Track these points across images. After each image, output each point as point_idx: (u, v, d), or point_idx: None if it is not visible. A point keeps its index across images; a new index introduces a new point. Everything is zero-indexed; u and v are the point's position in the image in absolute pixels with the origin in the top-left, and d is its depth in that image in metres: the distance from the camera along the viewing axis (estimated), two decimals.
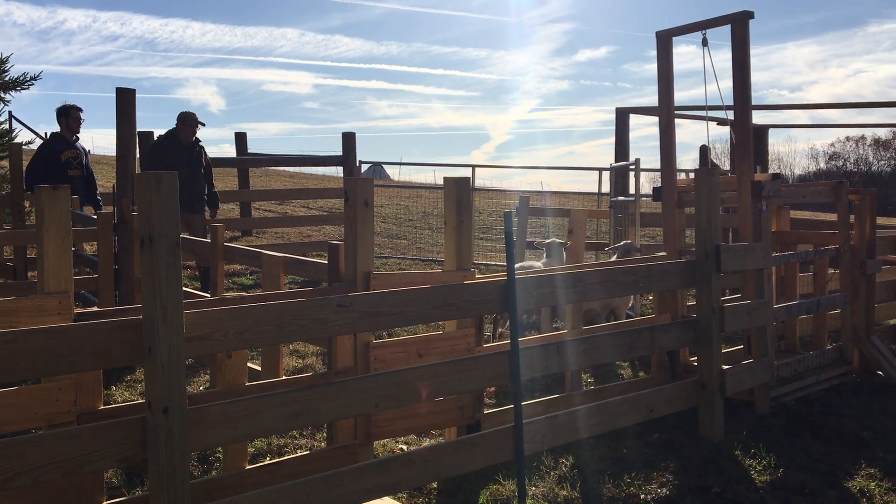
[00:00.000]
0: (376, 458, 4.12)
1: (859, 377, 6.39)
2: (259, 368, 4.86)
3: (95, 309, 4.47)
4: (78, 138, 8.88)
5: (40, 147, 9.17)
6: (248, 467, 3.89)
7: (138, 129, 9.06)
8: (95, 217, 7.36)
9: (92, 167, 9.12)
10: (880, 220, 12.50)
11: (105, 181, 16.63)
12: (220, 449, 4.33)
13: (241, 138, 13.09)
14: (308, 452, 4.06)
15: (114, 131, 7.68)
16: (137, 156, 8.55)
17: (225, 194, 14.64)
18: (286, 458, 4.03)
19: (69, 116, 8.68)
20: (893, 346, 6.95)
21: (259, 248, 8.48)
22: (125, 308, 3.80)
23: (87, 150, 9.10)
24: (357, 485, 3.52)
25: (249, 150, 13.35)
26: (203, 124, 9.03)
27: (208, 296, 5.01)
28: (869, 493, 4.26)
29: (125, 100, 7.58)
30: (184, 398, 3.02)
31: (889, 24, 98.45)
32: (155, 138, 9.52)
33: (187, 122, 8.84)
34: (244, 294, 4.45)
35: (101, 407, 3.53)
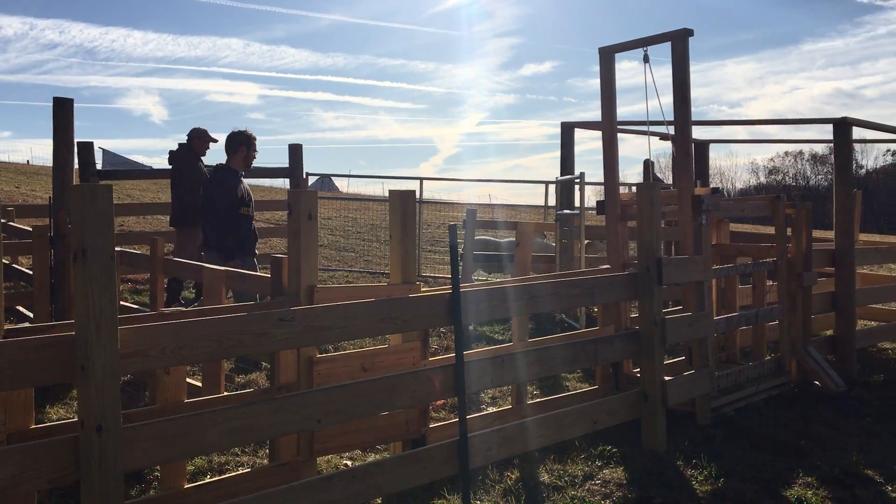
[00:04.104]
0: (320, 474, 4.07)
1: (797, 387, 6.54)
2: (200, 384, 4.77)
3: (27, 325, 4.33)
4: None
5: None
6: (186, 486, 3.80)
7: (77, 140, 8.84)
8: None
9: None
10: (817, 234, 12.85)
11: (43, 192, 16.20)
12: (158, 468, 4.22)
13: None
14: (249, 470, 3.98)
15: (51, 141, 7.48)
16: (76, 166, 8.34)
17: (166, 206, 14.41)
18: (227, 476, 3.94)
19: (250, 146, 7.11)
20: (830, 356, 7.14)
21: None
22: (58, 324, 3.69)
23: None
24: (299, 502, 3.46)
25: None
26: (216, 140, 8.97)
27: (148, 311, 4.90)
28: (806, 502, 4.34)
29: (63, 110, 7.39)
30: (118, 416, 2.94)
31: (823, 43, 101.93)
32: (173, 152, 9.28)
33: (203, 137, 8.84)
34: (183, 308, 4.35)
35: (33, 426, 3.42)
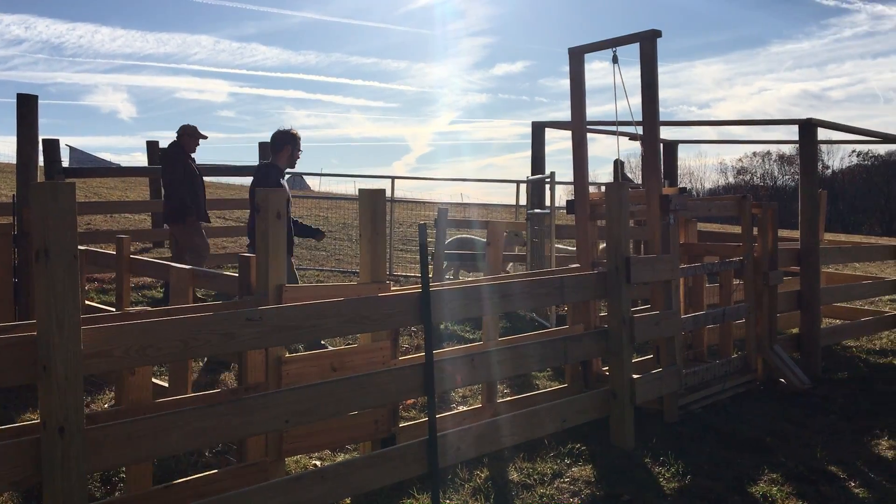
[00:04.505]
0: (288, 475, 4.04)
1: (763, 384, 6.63)
2: (166, 385, 4.71)
3: None
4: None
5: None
6: (152, 488, 3.75)
7: (44, 137, 8.74)
8: None
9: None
10: (783, 233, 13.04)
11: (8, 190, 15.94)
12: (123, 469, 4.17)
13: (153, 147, 12.74)
14: (217, 471, 3.94)
15: (15, 138, 7.37)
16: (41, 163, 8.23)
17: (136, 205, 14.26)
18: (194, 477, 3.90)
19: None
20: (795, 354, 7.24)
21: (171, 260, 8.27)
22: (20, 324, 3.63)
23: None
24: (267, 503, 3.44)
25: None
26: (205, 137, 8.92)
27: (113, 310, 4.84)
28: (771, 498, 4.40)
29: (26, 106, 7.29)
30: (81, 417, 2.90)
31: (790, 45, 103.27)
32: (162, 148, 9.23)
33: (193, 134, 8.78)
34: (148, 308, 4.31)
35: None
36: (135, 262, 5.50)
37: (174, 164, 8.69)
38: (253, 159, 11.77)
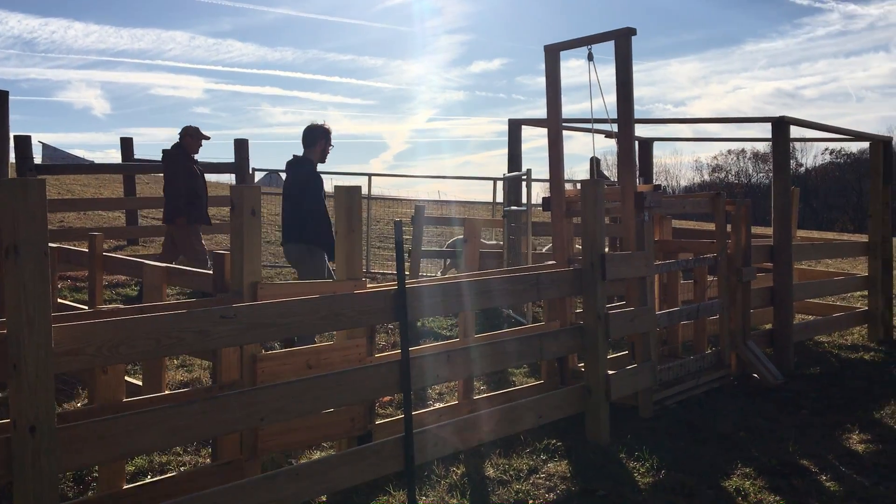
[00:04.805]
0: (263, 473, 4.02)
1: (737, 380, 6.70)
2: (140, 383, 4.68)
3: None
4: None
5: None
6: (125, 487, 3.73)
7: (15, 133, 8.65)
8: None
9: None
10: (757, 230, 13.17)
11: None
12: (96, 468, 4.13)
13: (127, 143, 12.64)
14: (191, 469, 3.92)
15: None
16: (12, 160, 8.12)
17: (110, 202, 14.11)
18: (167, 476, 3.88)
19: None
20: (768, 349, 7.32)
21: (145, 258, 8.20)
22: None
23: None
24: (241, 502, 3.42)
25: (137, 156, 12.89)
26: (208, 138, 9.04)
27: (86, 308, 4.79)
28: (744, 492, 4.45)
29: None
30: (52, 416, 2.87)
31: (764, 44, 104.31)
32: (165, 151, 9.23)
33: (195, 135, 8.89)
34: (121, 306, 4.27)
35: None
36: (108, 260, 5.45)
37: (174, 164, 8.77)
38: (228, 156, 11.69)
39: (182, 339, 3.25)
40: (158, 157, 10.16)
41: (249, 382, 3.94)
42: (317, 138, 6.86)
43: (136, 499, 3.59)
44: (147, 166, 13.35)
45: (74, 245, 9.11)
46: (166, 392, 4.34)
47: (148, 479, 4.00)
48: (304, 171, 6.77)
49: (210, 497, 3.33)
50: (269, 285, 4.14)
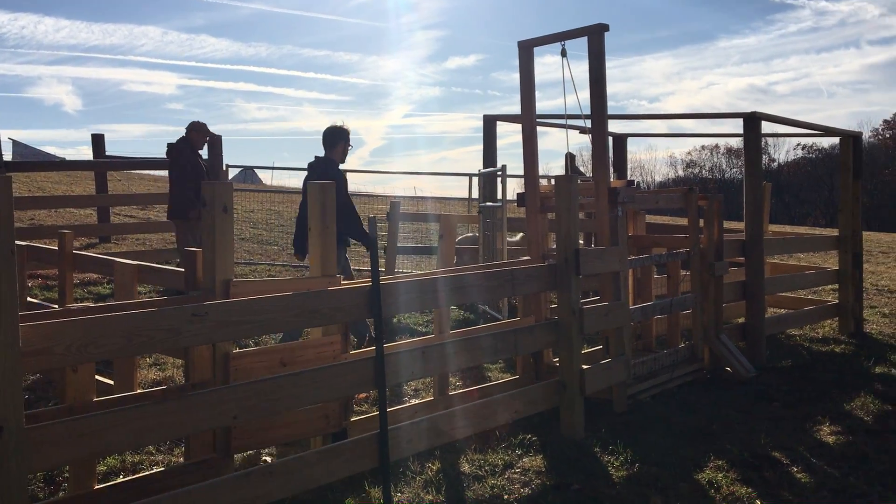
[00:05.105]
0: (237, 471, 4.00)
1: (710, 373, 6.76)
2: (112, 382, 4.63)
3: None
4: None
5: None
6: (97, 487, 3.69)
7: None
8: None
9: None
10: (730, 225, 13.30)
11: None
12: (67, 468, 4.09)
13: (98, 140, 12.48)
14: (164, 469, 3.89)
15: None
16: None
17: (82, 199, 13.94)
18: (140, 475, 3.84)
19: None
20: (741, 343, 7.39)
21: (117, 255, 8.11)
22: None
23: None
24: (215, 500, 3.40)
25: (109, 153, 12.75)
26: (214, 135, 9.32)
27: (56, 307, 4.73)
28: (717, 484, 4.49)
29: None
30: (20, 416, 2.83)
31: (737, 40, 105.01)
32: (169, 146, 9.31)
33: (202, 131, 9.07)
34: (90, 304, 4.22)
35: None
36: (78, 258, 5.38)
37: (181, 159, 8.88)
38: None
39: (152, 337, 3.22)
40: (130, 153, 10.11)
41: (222, 380, 3.91)
42: (337, 139, 7.10)
43: (107, 499, 3.56)
44: (119, 163, 13.21)
45: (45, 243, 8.98)
46: (138, 391, 4.29)
47: (120, 479, 3.96)
48: (329, 169, 6.95)
49: (183, 496, 3.30)
50: (242, 282, 4.11)
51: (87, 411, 3.40)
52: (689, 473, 4.63)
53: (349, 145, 7.21)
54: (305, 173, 7.36)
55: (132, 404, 3.34)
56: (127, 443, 3.21)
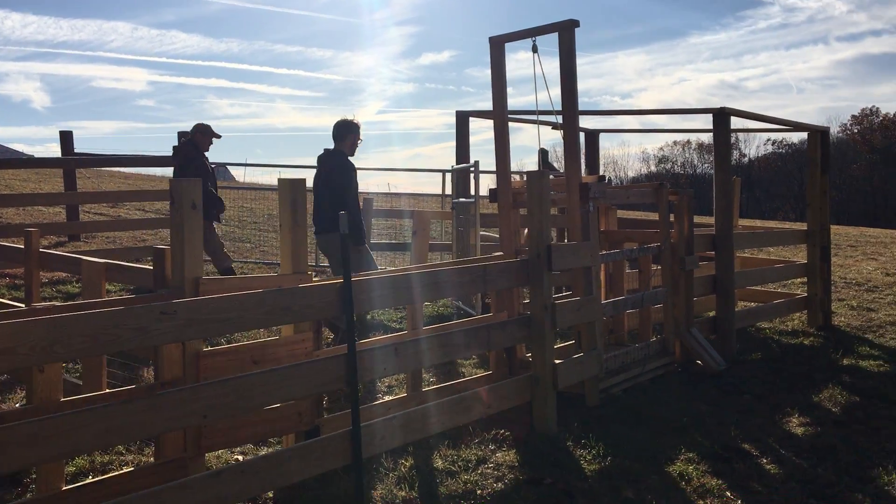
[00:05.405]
0: (209, 470, 3.97)
1: (681, 367, 6.82)
2: (80, 382, 4.57)
3: None
4: None
5: None
6: (65, 488, 3.64)
7: None
8: None
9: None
10: (701, 219, 13.41)
11: None
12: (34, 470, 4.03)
13: (66, 137, 12.29)
14: (133, 469, 3.85)
15: None
16: None
17: (50, 197, 13.75)
18: (109, 476, 3.80)
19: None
20: (711, 336, 7.46)
21: (87, 254, 8.01)
22: None
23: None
24: (185, 500, 3.37)
25: (79, 150, 12.58)
26: (219, 136, 9.16)
27: (23, 306, 4.65)
28: (688, 476, 4.54)
29: None
30: None
31: (708, 36, 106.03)
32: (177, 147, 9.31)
33: (206, 132, 9.03)
34: (57, 303, 4.16)
35: None
36: (45, 257, 5.30)
37: (188, 161, 8.83)
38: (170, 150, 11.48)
39: (120, 336, 3.18)
40: (100, 151, 10.00)
41: (192, 379, 3.87)
42: (347, 132, 7.11)
43: (76, 500, 3.51)
44: (88, 160, 13.04)
45: (13, 242, 8.85)
46: (107, 390, 4.24)
47: (89, 480, 3.92)
48: (342, 163, 6.99)
49: (152, 496, 3.27)
50: (212, 280, 4.08)
51: (54, 411, 3.35)
52: (660, 466, 4.67)
53: (359, 139, 7.22)
54: (279, 171, 7.42)
55: (99, 404, 3.30)
56: (94, 443, 3.17)
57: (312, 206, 7.07)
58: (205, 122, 9.08)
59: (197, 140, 8.99)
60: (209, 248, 8.75)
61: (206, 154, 9.10)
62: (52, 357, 3.07)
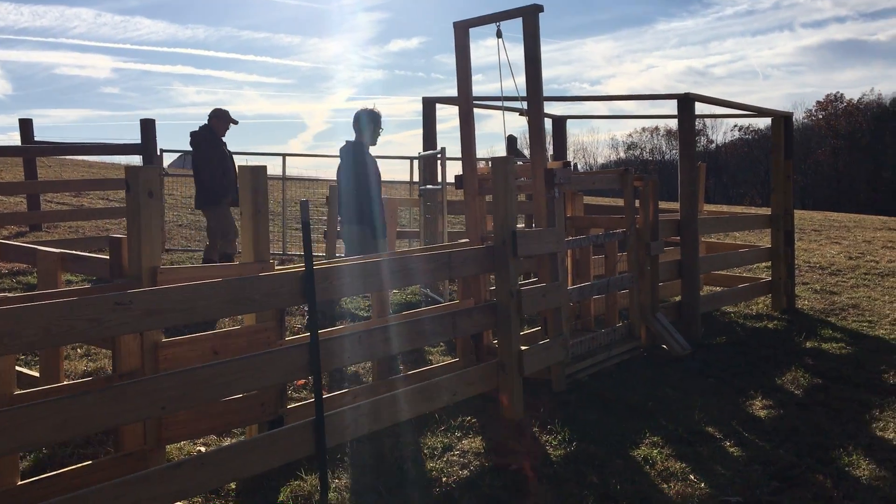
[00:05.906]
0: (169, 462, 3.91)
1: (647, 352, 6.86)
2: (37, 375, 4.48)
3: None
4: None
5: None
6: (19, 483, 3.57)
7: None
8: None
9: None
10: (669, 205, 13.51)
11: None
12: None
13: (26, 125, 12.06)
14: (92, 462, 3.78)
15: None
16: None
17: (10, 186, 13.48)
18: (66, 469, 3.72)
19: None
20: (677, 320, 7.52)
21: (48, 244, 7.85)
22: None
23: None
24: (144, 493, 3.31)
25: (43, 138, 12.37)
26: (236, 122, 9.12)
27: None
28: (652, 460, 4.56)
29: None
30: None
31: (675, 23, 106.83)
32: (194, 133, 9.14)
33: (223, 118, 9.00)
34: (9, 294, 4.06)
35: None
36: (0, 247, 5.17)
37: (207, 147, 8.82)
38: (138, 136, 11.29)
39: (74, 327, 3.11)
40: (64, 139, 9.79)
41: (151, 370, 3.81)
42: (367, 123, 7.14)
43: (31, 495, 3.44)
44: (47, 148, 12.79)
45: None
46: (64, 382, 4.16)
47: (45, 474, 3.83)
48: (358, 153, 7.01)
49: (111, 489, 3.21)
50: (170, 269, 4.00)
51: (7, 405, 3.27)
52: (625, 450, 4.69)
53: (380, 128, 7.26)
54: (246, 159, 7.42)
55: (53, 397, 3.23)
56: (48, 437, 3.09)
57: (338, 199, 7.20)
58: (223, 108, 9.07)
59: (213, 125, 8.96)
60: (225, 231, 8.90)
61: (224, 140, 9.10)
62: (3, 349, 2.98)
